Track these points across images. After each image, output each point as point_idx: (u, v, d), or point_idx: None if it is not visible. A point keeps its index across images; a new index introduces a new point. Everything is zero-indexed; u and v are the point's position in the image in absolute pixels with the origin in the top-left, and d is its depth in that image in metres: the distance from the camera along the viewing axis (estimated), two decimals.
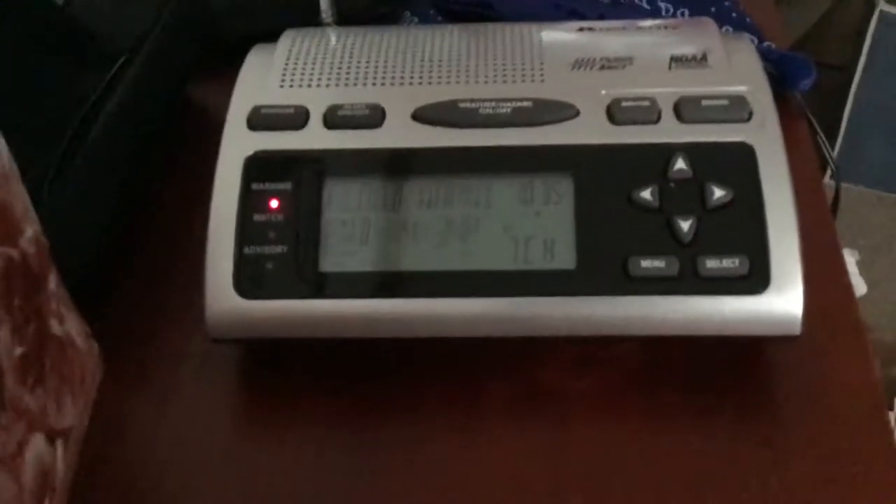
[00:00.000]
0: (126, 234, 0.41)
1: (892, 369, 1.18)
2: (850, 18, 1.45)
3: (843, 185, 0.48)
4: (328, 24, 0.42)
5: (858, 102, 1.45)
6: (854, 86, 1.45)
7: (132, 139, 0.41)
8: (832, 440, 0.33)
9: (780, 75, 0.44)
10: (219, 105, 0.37)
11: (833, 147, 1.47)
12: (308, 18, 0.43)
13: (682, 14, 0.48)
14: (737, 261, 0.33)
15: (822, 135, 0.45)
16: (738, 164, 0.34)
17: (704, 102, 0.35)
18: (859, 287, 1.29)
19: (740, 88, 0.35)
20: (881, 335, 1.23)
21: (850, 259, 1.31)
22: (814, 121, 0.45)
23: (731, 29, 0.47)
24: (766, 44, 0.46)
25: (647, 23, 0.40)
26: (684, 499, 0.32)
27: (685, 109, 0.35)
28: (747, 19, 0.48)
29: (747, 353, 0.36)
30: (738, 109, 0.35)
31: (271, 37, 0.40)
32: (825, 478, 0.32)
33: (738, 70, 0.36)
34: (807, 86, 0.44)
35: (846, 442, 0.33)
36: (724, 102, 0.35)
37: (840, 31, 1.47)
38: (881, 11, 1.40)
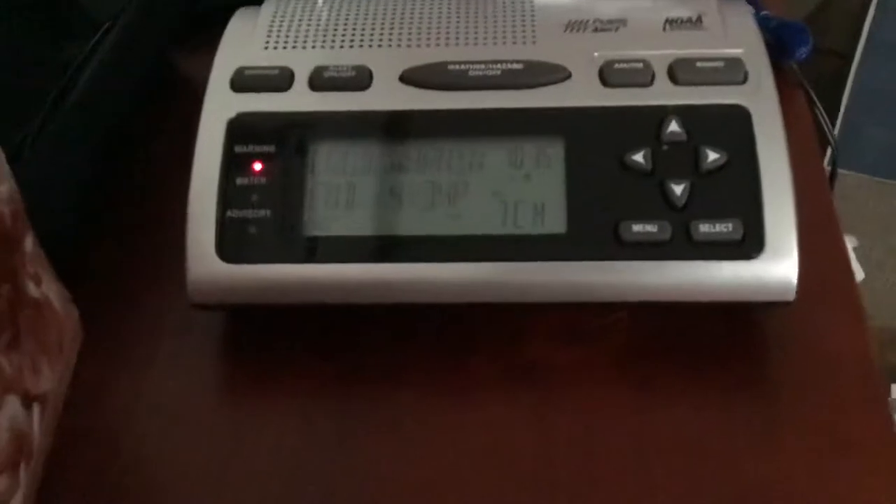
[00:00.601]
0: (107, 198, 0.40)
1: (889, 355, 1.18)
2: (850, 4, 1.44)
3: (842, 171, 0.47)
4: None
5: (857, 88, 1.45)
6: (852, 71, 1.44)
7: (113, 103, 0.40)
8: (826, 412, 0.32)
9: (777, 43, 0.43)
10: (203, 70, 0.36)
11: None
12: None
13: None
14: (730, 225, 0.32)
15: (819, 106, 0.44)
16: (732, 126, 0.33)
17: (699, 64, 0.34)
18: (857, 273, 1.28)
19: (736, 51, 0.35)
20: (879, 321, 1.23)
21: (848, 245, 1.31)
22: (811, 92, 0.44)
23: None
24: (763, 12, 0.45)
25: None
26: (673, 472, 0.31)
27: (679, 71, 0.34)
28: None
29: (740, 324, 0.35)
30: (733, 72, 0.34)
31: (256, 2, 0.39)
32: (819, 450, 0.31)
33: (733, 32, 0.35)
34: (804, 53, 0.43)
35: (840, 413, 0.32)
36: (720, 64, 0.34)
37: (839, 16, 1.46)
38: None
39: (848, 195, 1.39)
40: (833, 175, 0.47)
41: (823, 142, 0.44)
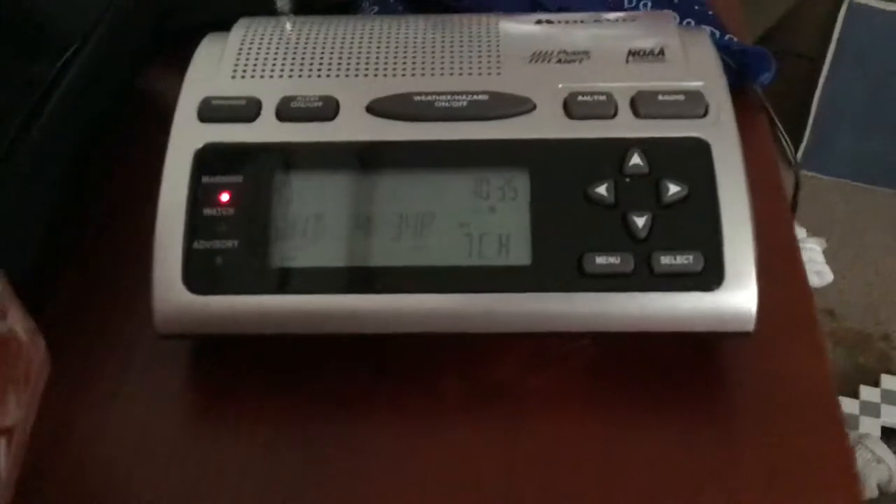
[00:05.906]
0: (74, 226, 0.40)
1: (857, 357, 1.19)
2: (821, 8, 1.46)
3: (812, 174, 0.48)
4: (284, 13, 0.42)
5: (827, 92, 1.46)
6: (822, 75, 1.46)
7: (79, 129, 0.40)
8: (786, 437, 0.33)
9: (741, 68, 0.44)
10: (171, 95, 0.37)
11: (801, 137, 1.48)
12: (265, 7, 0.42)
13: (645, 6, 0.48)
14: (691, 257, 0.32)
15: (781, 128, 0.44)
16: (693, 159, 0.34)
17: (661, 97, 0.35)
18: (826, 275, 1.30)
19: (696, 83, 0.35)
20: (848, 323, 1.25)
21: (818, 248, 1.32)
22: (773, 114, 0.44)
23: (692, 22, 0.47)
24: (727, 37, 0.46)
25: (606, 15, 0.39)
26: (637, 495, 0.32)
27: (641, 104, 0.35)
28: (709, 12, 0.48)
29: (703, 348, 0.36)
30: (694, 105, 0.35)
31: (226, 25, 0.39)
32: (779, 474, 0.32)
33: (694, 65, 0.36)
34: (767, 79, 0.44)
35: (800, 438, 0.33)
36: (680, 98, 0.35)
37: (810, 20, 1.47)
38: (851, 2, 1.41)
39: (818, 198, 1.41)
40: (796, 194, 0.47)
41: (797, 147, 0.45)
